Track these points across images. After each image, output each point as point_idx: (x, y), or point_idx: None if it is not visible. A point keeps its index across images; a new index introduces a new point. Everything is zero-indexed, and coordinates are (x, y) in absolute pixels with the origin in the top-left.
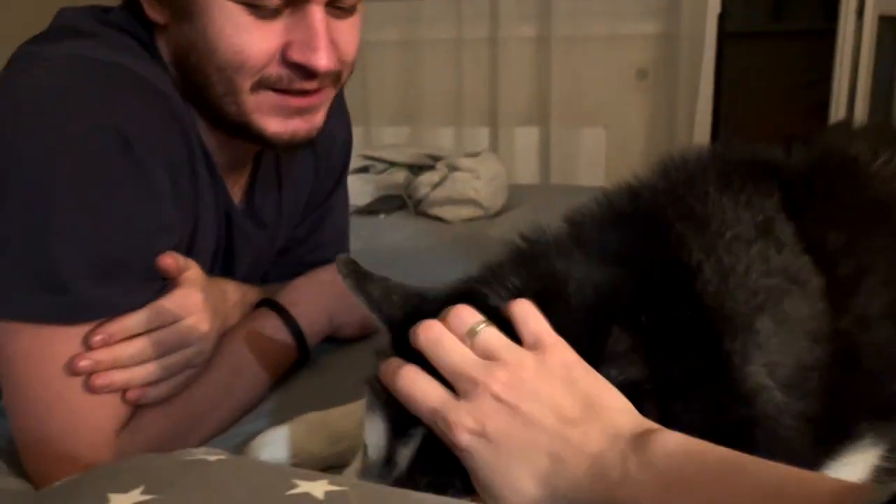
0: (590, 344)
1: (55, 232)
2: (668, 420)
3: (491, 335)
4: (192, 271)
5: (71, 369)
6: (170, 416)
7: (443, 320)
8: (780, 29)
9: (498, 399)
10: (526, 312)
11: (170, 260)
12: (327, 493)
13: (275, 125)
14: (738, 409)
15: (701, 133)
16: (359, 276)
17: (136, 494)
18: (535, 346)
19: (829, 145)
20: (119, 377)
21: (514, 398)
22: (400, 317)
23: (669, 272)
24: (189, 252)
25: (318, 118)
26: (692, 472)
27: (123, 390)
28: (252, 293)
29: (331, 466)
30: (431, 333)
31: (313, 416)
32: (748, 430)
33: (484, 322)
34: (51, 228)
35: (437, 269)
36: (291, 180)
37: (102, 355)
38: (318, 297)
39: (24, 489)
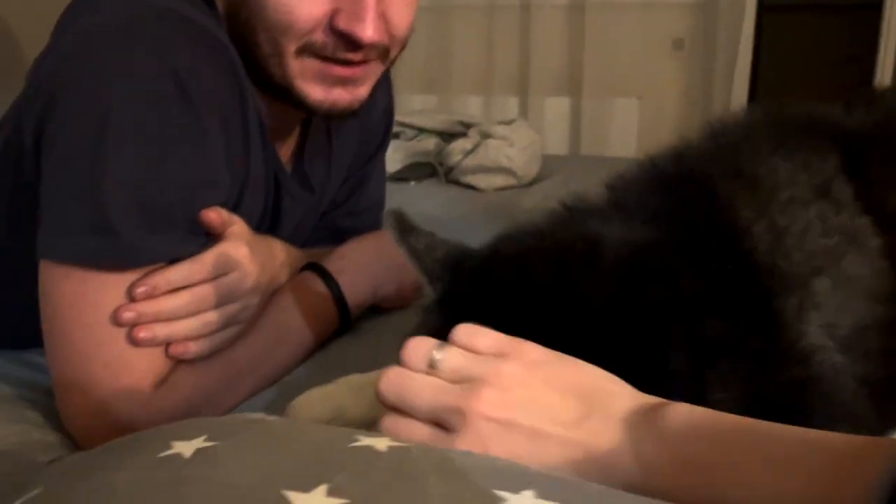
0: (622, 306)
1: (107, 176)
2: (712, 379)
3: (454, 356)
4: (238, 226)
5: (115, 319)
6: (209, 374)
7: (401, 360)
8: (821, 1)
9: (491, 420)
10: (468, 334)
11: (213, 215)
12: (390, 448)
13: (317, 93)
14: (792, 368)
15: (737, 107)
16: (404, 229)
17: (199, 441)
18: (500, 356)
19: (891, 104)
20: (161, 331)
21: (507, 414)
22: (441, 271)
23: (713, 231)
24: (235, 211)
25: (362, 91)
26: (707, 447)
27: (165, 344)
28: (297, 255)
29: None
30: (392, 383)
31: (356, 378)
32: (803, 390)
33: (441, 346)
34: (103, 172)
35: (469, 239)
36: (340, 145)
37: (145, 307)
38: (365, 269)
39: (59, 441)
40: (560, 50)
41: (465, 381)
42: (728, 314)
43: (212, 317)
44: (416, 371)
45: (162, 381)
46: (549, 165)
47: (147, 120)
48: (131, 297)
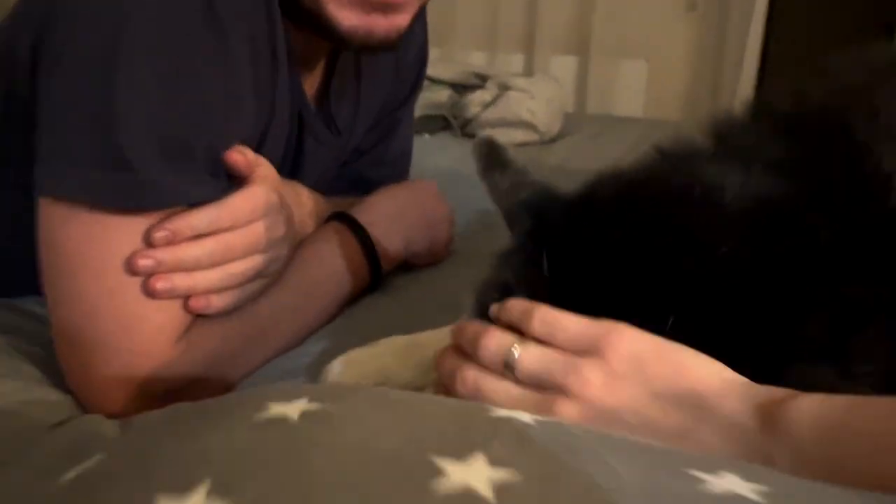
0: (751, 261)
1: (120, 100)
2: (857, 349)
3: (531, 359)
4: (265, 168)
5: (129, 267)
6: (232, 331)
7: (473, 352)
8: None
9: None
10: (546, 324)
11: (238, 155)
12: (539, 421)
13: (351, 19)
14: None
15: (748, 72)
16: (490, 161)
17: (301, 403)
18: (589, 351)
19: None
20: (182, 282)
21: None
22: (523, 214)
23: (855, 181)
24: (259, 151)
25: (401, 20)
26: (851, 447)
27: (185, 297)
28: (323, 203)
29: None
30: (468, 387)
31: (399, 340)
32: None
33: (517, 344)
34: (116, 98)
35: (486, 197)
36: (370, 84)
37: (165, 255)
38: (397, 221)
39: (62, 400)
40: (569, 7)
41: (544, 387)
42: (876, 275)
43: (238, 268)
44: (491, 369)
45: (179, 338)
46: (571, 122)
47: (167, 42)
48: (148, 243)
